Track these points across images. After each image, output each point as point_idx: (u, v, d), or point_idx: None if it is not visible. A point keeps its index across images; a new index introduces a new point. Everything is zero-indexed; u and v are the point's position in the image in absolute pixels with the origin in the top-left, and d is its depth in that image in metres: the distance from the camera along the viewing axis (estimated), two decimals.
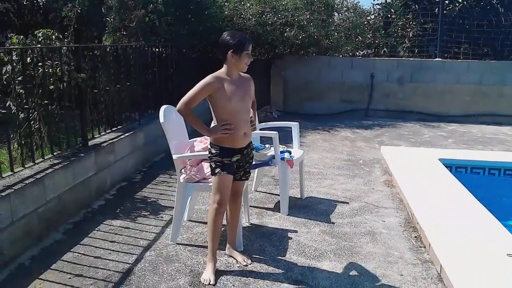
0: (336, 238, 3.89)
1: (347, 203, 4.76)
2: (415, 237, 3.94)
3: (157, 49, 6.93)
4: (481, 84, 9.90)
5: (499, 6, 10.77)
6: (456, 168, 5.88)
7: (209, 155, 3.21)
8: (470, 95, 9.93)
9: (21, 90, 4.04)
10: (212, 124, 3.18)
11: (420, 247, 3.76)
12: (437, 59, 10.38)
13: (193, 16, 8.31)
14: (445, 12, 10.66)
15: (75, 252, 3.51)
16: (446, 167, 5.62)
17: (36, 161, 3.94)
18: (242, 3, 9.31)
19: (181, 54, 7.85)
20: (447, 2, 10.85)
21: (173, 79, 7.33)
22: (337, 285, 3.16)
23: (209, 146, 3.24)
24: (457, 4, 10.83)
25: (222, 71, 3.15)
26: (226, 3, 9.28)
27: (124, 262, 3.37)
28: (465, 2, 10.86)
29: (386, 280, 3.23)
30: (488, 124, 9.56)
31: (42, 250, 3.54)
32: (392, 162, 5.89)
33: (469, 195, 4.59)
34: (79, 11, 6.67)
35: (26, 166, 3.80)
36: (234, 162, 3.20)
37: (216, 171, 3.16)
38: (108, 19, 6.60)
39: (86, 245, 3.64)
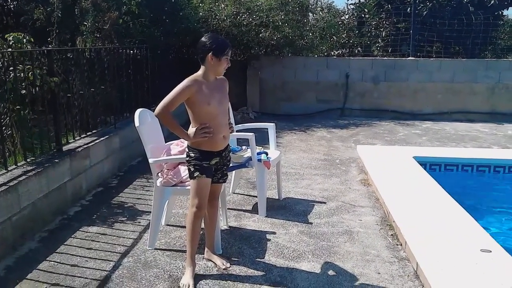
0: (314, 239, 3.92)
1: (325, 203, 4.81)
2: (392, 235, 4.00)
3: (131, 51, 6.87)
4: (453, 82, 10.09)
5: (469, 5, 11.00)
6: (430, 165, 5.99)
7: (187, 158, 3.20)
8: (443, 93, 10.12)
9: None
10: (190, 128, 3.16)
11: (397, 245, 3.82)
12: (410, 58, 10.54)
13: (168, 17, 8.27)
14: (417, 11, 10.83)
15: (51, 261, 3.45)
16: (421, 164, 5.71)
17: (9, 168, 3.86)
18: (217, 4, 9.29)
19: (157, 55, 7.79)
20: (418, 1, 11.01)
21: (148, 81, 7.27)
22: (316, 285, 3.18)
23: (187, 150, 3.22)
24: (428, 3, 11.01)
25: (199, 74, 3.12)
26: (200, 4, 9.25)
27: (102, 270, 3.34)
28: (434, 2, 11.05)
29: (364, 279, 3.27)
30: (461, 121, 9.76)
31: (17, 260, 3.47)
32: (368, 161, 5.97)
33: (443, 192, 4.68)
34: (60, 15, 6.54)
35: None
36: (212, 165, 3.20)
37: (194, 175, 3.15)
38: (86, 23, 6.50)
39: (62, 253, 3.58)
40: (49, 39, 6.60)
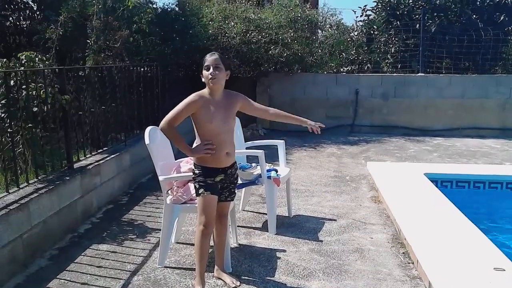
0: (324, 257, 3.88)
1: (335, 220, 4.77)
2: (403, 253, 3.95)
3: (142, 69, 6.93)
4: (464, 98, 10.05)
5: (478, 21, 10.97)
6: (442, 182, 5.92)
7: (192, 175, 3.21)
8: (453, 109, 10.07)
9: (4, 114, 4.00)
10: (195, 144, 3.18)
11: (408, 263, 3.77)
12: (419, 74, 10.52)
13: (178, 35, 8.35)
14: (425, 27, 10.84)
15: (61, 279, 3.45)
16: (432, 181, 5.65)
17: (21, 186, 3.89)
18: (226, 22, 9.38)
19: (167, 73, 7.86)
20: (427, 17, 11.01)
21: (159, 98, 7.32)
22: None
23: (192, 167, 3.23)
24: (436, 20, 11.01)
25: (205, 91, 3.17)
26: (210, 22, 9.34)
27: None
28: (443, 18, 11.05)
29: None
30: (471, 137, 9.68)
31: (27, 278, 3.47)
32: (378, 177, 5.92)
33: (455, 210, 4.62)
34: (61, 33, 6.65)
35: (10, 191, 3.75)
36: (217, 182, 3.19)
37: (200, 192, 3.15)
38: (88, 40, 6.60)
39: (72, 271, 3.58)
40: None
